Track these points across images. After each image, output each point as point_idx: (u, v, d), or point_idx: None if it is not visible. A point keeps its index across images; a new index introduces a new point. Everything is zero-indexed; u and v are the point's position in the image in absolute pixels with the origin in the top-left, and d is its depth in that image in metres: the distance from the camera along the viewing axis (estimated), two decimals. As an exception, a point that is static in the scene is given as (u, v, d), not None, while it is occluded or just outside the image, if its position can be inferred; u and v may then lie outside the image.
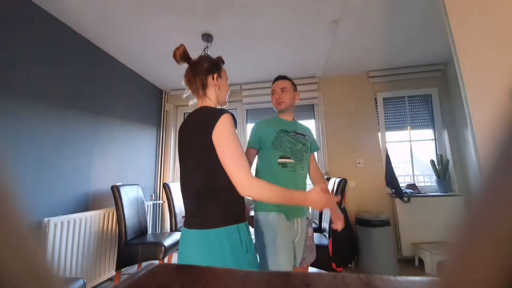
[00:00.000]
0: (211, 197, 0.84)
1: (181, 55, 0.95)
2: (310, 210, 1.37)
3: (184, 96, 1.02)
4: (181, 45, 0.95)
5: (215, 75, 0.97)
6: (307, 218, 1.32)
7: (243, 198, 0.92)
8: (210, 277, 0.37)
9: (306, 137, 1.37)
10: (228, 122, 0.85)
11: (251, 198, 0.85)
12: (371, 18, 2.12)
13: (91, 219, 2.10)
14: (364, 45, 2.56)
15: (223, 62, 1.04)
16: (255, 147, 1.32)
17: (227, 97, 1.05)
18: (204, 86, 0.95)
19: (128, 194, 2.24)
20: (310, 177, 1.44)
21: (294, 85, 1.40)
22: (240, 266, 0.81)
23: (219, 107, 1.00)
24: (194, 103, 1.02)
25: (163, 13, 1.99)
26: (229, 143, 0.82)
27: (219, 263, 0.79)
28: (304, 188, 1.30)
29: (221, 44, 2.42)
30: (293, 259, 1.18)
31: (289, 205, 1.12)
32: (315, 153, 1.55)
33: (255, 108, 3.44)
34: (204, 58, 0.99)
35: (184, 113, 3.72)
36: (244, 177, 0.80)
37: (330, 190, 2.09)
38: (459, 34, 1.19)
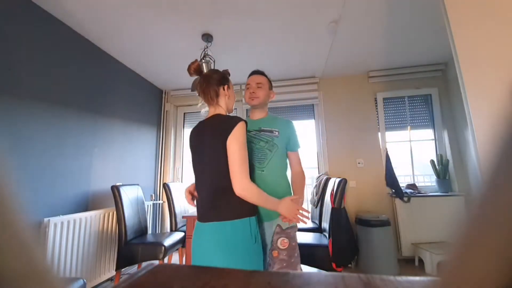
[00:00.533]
0: (226, 193, 0.96)
1: (196, 69, 1.09)
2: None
3: (199, 105, 1.16)
4: (196, 60, 1.10)
5: (225, 86, 1.10)
6: (279, 225, 1.14)
7: None
8: (210, 277, 0.37)
9: (275, 133, 1.23)
10: (242, 130, 0.98)
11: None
12: (371, 18, 2.12)
13: (91, 219, 2.10)
14: (364, 45, 2.56)
15: (229, 74, 1.16)
16: None
17: (234, 105, 1.19)
18: (217, 96, 1.08)
19: (128, 194, 2.24)
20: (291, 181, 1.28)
21: (270, 83, 1.33)
22: (249, 255, 0.94)
23: (228, 114, 1.14)
24: (205, 111, 1.16)
25: (163, 13, 1.99)
26: (239, 149, 0.96)
27: (231, 252, 0.91)
28: (271, 193, 1.09)
29: (221, 44, 2.42)
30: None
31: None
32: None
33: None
34: (214, 71, 1.12)
35: (184, 113, 3.72)
36: (245, 181, 0.94)
37: (330, 190, 2.08)
38: (459, 34, 1.19)
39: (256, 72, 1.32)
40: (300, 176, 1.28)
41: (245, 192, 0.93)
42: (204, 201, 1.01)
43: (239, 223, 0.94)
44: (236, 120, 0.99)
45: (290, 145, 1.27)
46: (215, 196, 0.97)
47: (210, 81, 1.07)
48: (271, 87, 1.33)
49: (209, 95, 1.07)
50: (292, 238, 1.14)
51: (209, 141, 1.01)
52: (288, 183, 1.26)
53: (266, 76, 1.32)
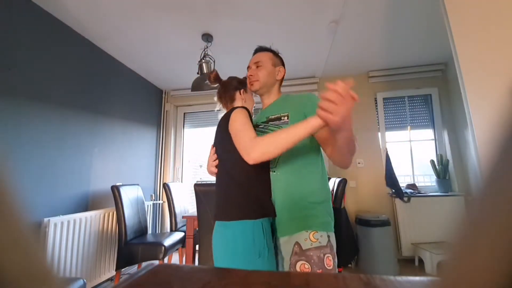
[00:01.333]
0: (230, 189, 0.91)
1: (215, 77, 1.12)
2: (309, 236, 0.87)
3: (216, 109, 1.18)
4: (214, 69, 1.14)
5: (241, 90, 1.10)
6: (297, 244, 0.86)
7: (262, 192, 0.92)
8: (210, 277, 0.37)
9: (284, 119, 0.96)
10: (240, 111, 0.93)
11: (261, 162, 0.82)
12: (371, 18, 2.12)
13: (91, 219, 2.10)
14: (364, 45, 2.56)
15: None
16: None
17: (252, 109, 1.16)
18: (232, 100, 1.10)
19: (128, 194, 2.24)
20: (330, 155, 0.91)
21: (277, 57, 1.08)
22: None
23: None
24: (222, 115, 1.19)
25: (163, 13, 1.99)
26: (237, 124, 0.89)
27: (230, 259, 0.82)
28: (285, 199, 0.92)
29: (221, 44, 2.42)
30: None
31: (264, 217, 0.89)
32: None
33: (256, 107, 3.44)
34: (232, 77, 1.15)
35: (184, 113, 3.72)
36: (245, 143, 0.82)
37: (330, 190, 2.06)
38: (459, 34, 1.19)
39: (256, 51, 1.10)
40: None
41: (252, 155, 0.79)
42: (215, 197, 0.98)
43: (238, 226, 0.83)
44: (234, 108, 0.97)
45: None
46: (221, 193, 0.94)
47: (227, 87, 1.11)
48: (278, 63, 1.08)
49: (225, 99, 1.10)
50: (315, 263, 0.84)
51: (217, 136, 1.03)
52: (319, 185, 0.93)
53: (270, 50, 1.09)
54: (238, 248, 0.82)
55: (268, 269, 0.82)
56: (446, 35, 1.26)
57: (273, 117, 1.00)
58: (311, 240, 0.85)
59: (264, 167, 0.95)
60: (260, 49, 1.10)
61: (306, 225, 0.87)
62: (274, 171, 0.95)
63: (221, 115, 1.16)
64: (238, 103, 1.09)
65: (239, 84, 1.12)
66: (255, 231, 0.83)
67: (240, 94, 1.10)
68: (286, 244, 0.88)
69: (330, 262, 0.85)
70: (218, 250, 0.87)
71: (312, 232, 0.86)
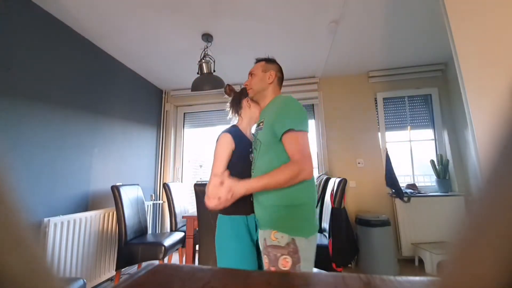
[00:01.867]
0: None
1: (231, 90, 1.28)
2: (270, 235, 0.93)
3: (228, 117, 1.29)
4: (227, 84, 1.31)
5: (247, 98, 1.22)
6: (265, 239, 0.93)
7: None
8: (210, 277, 0.37)
9: (260, 125, 1.04)
10: (220, 140, 1.10)
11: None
12: (371, 18, 2.12)
13: (91, 219, 2.10)
14: (364, 45, 2.56)
15: None
16: None
17: (260, 113, 1.20)
18: (240, 107, 1.23)
19: (128, 194, 2.24)
20: None
21: (269, 63, 1.14)
22: (227, 252, 1.04)
23: (253, 123, 1.25)
24: (234, 123, 1.30)
25: (163, 13, 1.99)
26: (215, 153, 1.10)
27: (217, 238, 1.09)
28: (258, 200, 1.03)
29: (221, 44, 2.42)
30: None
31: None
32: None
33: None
34: (244, 88, 1.24)
35: (184, 113, 3.71)
36: (207, 186, 0.99)
37: (330, 190, 2.07)
38: (459, 34, 1.19)
39: (254, 64, 1.19)
40: (285, 164, 0.90)
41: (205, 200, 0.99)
42: None
43: (225, 219, 1.10)
44: (222, 132, 1.13)
45: (275, 130, 0.94)
46: None
47: (238, 96, 1.23)
48: (268, 68, 1.12)
49: (233, 107, 1.24)
50: (271, 260, 0.89)
51: None
52: (292, 189, 0.93)
53: (261, 60, 1.17)
54: (220, 232, 1.09)
55: (240, 248, 1.04)
56: (446, 35, 1.26)
57: (258, 122, 1.11)
58: (271, 239, 0.92)
59: (247, 172, 1.10)
60: (256, 62, 1.20)
61: (271, 224, 0.94)
62: (254, 172, 1.06)
63: (232, 122, 1.31)
64: (245, 111, 1.22)
65: (247, 92, 1.23)
66: (235, 222, 1.07)
67: (247, 102, 1.22)
68: (261, 236, 0.98)
69: (286, 263, 0.88)
70: (216, 233, 1.10)
71: (274, 232, 0.92)
